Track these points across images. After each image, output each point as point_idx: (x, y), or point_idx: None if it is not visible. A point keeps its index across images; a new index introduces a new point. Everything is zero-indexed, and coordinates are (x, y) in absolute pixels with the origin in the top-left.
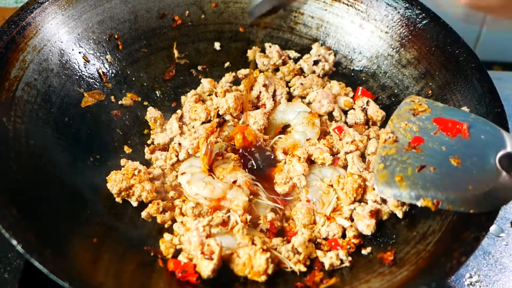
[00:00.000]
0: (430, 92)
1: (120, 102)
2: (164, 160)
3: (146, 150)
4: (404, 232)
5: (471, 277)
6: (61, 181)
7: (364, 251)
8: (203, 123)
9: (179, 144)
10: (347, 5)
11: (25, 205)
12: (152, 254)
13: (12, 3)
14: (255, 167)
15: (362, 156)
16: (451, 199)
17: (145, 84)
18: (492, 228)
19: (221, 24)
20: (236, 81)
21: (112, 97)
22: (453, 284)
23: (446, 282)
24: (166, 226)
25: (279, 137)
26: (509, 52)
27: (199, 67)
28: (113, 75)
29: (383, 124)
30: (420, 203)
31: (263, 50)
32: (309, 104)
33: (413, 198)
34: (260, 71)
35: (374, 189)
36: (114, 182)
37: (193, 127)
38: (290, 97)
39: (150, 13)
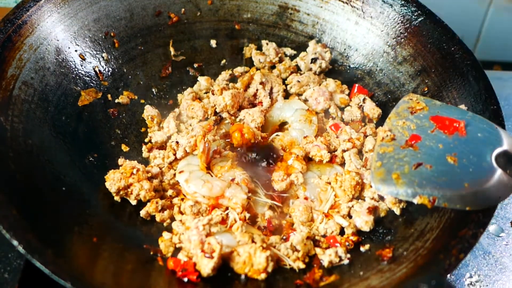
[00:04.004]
0: (426, 89)
1: (116, 101)
2: (162, 159)
3: (144, 148)
4: (402, 229)
5: (471, 277)
6: (60, 180)
7: (362, 248)
8: (200, 121)
9: (177, 142)
10: (343, 2)
11: (24, 205)
12: (151, 252)
13: (12, 3)
14: (253, 165)
15: (359, 153)
16: (448, 196)
17: (141, 82)
18: (492, 228)
19: (217, 21)
20: (233, 79)
21: (109, 95)
22: (453, 284)
23: (446, 279)
24: (165, 224)
25: (277, 135)
26: (509, 52)
27: (196, 65)
28: (109, 73)
29: (380, 121)
30: (416, 201)
31: (259, 48)
32: (305, 101)
33: (410, 195)
34: (257, 69)
35: (371, 186)
36: (113, 181)
37: (190, 125)
38: (286, 95)
39: (146, 11)
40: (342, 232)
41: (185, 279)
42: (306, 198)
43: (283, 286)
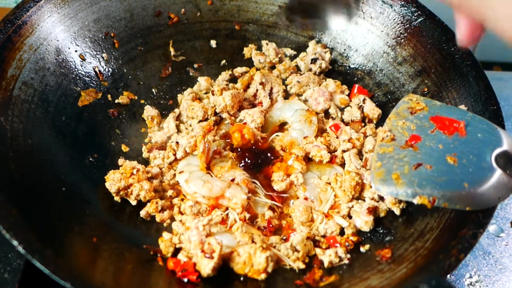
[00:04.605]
0: (426, 89)
1: (116, 101)
2: (162, 159)
3: (144, 148)
4: (402, 229)
5: (471, 277)
6: (60, 180)
7: (362, 249)
8: (200, 121)
9: (177, 142)
10: None
11: (24, 205)
12: (151, 252)
13: (12, 3)
14: (252, 165)
15: (359, 154)
16: (447, 196)
17: (141, 82)
18: (492, 228)
19: (217, 21)
20: (233, 79)
21: (109, 96)
22: (453, 284)
23: (446, 279)
24: (165, 225)
25: (277, 135)
26: (509, 52)
27: (196, 65)
28: (109, 73)
29: (379, 122)
30: (416, 201)
31: (259, 48)
32: (305, 101)
33: (410, 195)
34: (257, 69)
35: (371, 186)
36: (113, 181)
37: (190, 126)
38: (286, 95)
39: (146, 11)
40: (342, 232)
41: (185, 279)
42: (306, 199)
43: (283, 286)
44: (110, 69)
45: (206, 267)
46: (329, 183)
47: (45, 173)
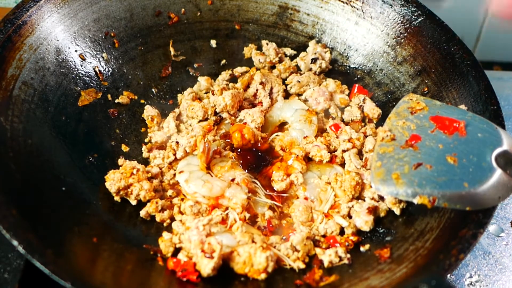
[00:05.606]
0: (426, 89)
1: (116, 101)
2: (162, 159)
3: (144, 148)
4: (402, 229)
5: (471, 277)
6: (60, 180)
7: (362, 248)
8: (200, 121)
9: (177, 142)
10: (343, 2)
11: (24, 205)
12: (151, 252)
13: (12, 3)
14: (252, 165)
15: (359, 153)
16: (447, 196)
17: (141, 82)
18: (492, 228)
19: (217, 21)
20: (233, 79)
21: (109, 95)
22: (453, 284)
23: (446, 279)
24: (165, 224)
25: (277, 135)
26: (509, 52)
27: (196, 65)
28: (109, 73)
29: (380, 121)
30: (416, 201)
31: (259, 48)
32: (305, 101)
33: (410, 195)
34: (257, 69)
35: (371, 186)
36: (113, 181)
37: (190, 125)
38: (286, 95)
39: (146, 11)
40: (342, 232)
41: (185, 279)
42: (306, 198)
43: (283, 286)
44: (110, 69)
45: (206, 267)
46: (329, 183)
47: (45, 173)
